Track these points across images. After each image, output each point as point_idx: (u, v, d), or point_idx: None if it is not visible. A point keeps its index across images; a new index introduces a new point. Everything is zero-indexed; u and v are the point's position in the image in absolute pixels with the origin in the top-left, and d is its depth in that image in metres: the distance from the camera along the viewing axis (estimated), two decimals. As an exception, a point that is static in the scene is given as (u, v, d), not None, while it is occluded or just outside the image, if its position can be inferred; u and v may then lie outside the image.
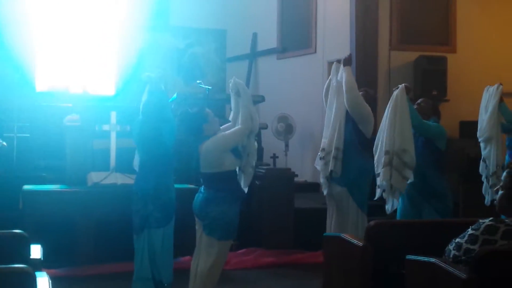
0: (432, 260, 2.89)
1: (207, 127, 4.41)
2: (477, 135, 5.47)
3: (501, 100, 5.40)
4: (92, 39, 9.35)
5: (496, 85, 5.46)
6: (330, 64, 9.17)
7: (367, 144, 5.41)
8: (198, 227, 4.51)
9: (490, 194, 5.33)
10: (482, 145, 5.45)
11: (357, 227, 5.53)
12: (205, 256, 4.38)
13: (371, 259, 3.61)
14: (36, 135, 7.53)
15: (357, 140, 5.41)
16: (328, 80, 5.56)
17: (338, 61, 5.38)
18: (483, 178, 5.45)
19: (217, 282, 4.44)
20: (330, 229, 5.49)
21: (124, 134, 6.45)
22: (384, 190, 4.96)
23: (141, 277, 4.81)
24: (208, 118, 4.44)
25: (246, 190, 4.67)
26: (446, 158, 5.28)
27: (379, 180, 4.98)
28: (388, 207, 5.04)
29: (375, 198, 5.09)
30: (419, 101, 5.39)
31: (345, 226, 5.47)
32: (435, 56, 8.29)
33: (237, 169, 4.57)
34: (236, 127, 4.47)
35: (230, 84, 4.65)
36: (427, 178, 5.05)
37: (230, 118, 4.73)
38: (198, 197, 4.52)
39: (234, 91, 4.61)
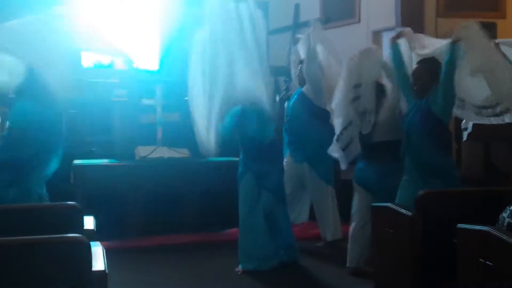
0: (485, 228, 2.83)
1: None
2: None
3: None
4: (135, 15, 9.40)
5: None
6: (375, 33, 9.04)
7: (325, 115, 5.38)
8: (362, 197, 4.68)
9: None
10: None
11: (322, 201, 5.51)
12: None
13: (420, 229, 3.57)
14: (83, 110, 7.66)
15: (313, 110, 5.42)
16: None
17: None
18: None
19: None
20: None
21: (169, 108, 6.52)
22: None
23: None
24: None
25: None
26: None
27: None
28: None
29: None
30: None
31: (315, 202, 5.48)
32: (484, 23, 7.85)
33: None
34: None
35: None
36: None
37: None
38: (367, 170, 4.63)
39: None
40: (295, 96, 5.84)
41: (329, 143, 5.42)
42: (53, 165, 4.29)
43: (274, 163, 5.06)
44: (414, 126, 4.31)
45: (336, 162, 5.42)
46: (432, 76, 4.32)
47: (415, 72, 4.45)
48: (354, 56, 4.76)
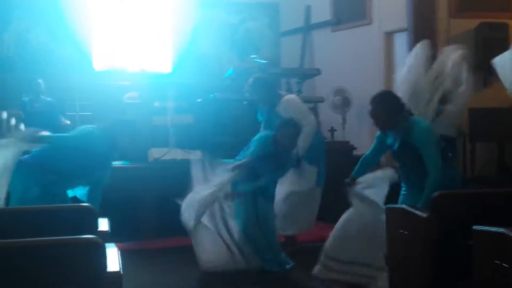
0: (501, 230, 2.81)
1: None
2: None
3: None
4: (147, 18, 9.45)
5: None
6: (387, 35, 9.02)
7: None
8: None
9: None
10: None
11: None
12: None
13: (435, 231, 3.55)
14: (97, 113, 7.70)
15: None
16: None
17: None
18: None
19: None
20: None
21: (181, 110, 6.53)
22: None
23: None
24: None
25: None
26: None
27: None
28: None
29: None
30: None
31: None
32: (497, 23, 7.98)
33: None
34: None
35: None
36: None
37: None
38: None
39: None
40: None
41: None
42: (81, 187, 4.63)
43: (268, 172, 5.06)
44: (401, 156, 4.31)
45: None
46: (390, 112, 4.18)
47: (370, 114, 4.28)
48: None
